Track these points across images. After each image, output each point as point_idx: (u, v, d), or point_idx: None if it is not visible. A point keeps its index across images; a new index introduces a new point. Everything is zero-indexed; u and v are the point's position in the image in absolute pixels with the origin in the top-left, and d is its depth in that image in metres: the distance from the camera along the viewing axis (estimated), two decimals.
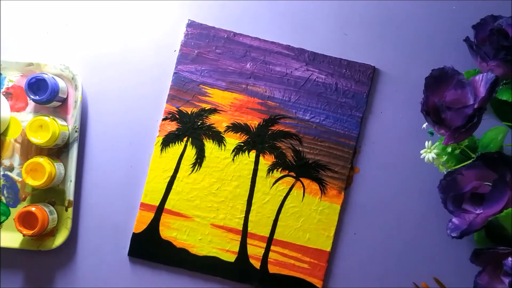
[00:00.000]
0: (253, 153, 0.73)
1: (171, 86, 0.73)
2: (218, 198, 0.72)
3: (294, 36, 0.74)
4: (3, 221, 0.73)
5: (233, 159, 0.73)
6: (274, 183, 0.72)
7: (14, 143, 0.74)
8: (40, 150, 0.73)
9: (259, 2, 0.75)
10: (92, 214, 0.73)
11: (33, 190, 0.73)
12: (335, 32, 0.74)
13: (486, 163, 0.57)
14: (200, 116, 0.73)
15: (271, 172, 0.72)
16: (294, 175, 0.72)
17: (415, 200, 0.72)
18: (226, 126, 0.73)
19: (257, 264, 0.71)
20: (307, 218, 0.72)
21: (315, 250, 0.71)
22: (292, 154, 0.73)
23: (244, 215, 0.72)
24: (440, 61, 0.64)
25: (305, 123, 0.73)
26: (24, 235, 0.69)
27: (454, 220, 0.58)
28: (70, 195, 0.72)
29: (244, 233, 0.72)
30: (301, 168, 0.72)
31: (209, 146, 0.73)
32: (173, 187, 0.73)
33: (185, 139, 0.73)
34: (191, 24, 0.74)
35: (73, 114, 0.73)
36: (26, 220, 0.69)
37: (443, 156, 0.62)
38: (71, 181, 0.72)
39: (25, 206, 0.69)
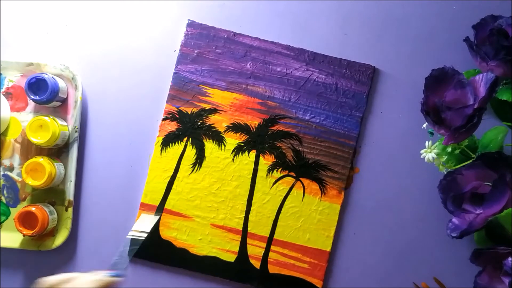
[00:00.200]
0: (253, 153, 0.73)
1: (171, 86, 0.73)
2: (218, 198, 0.72)
3: (294, 36, 0.74)
4: (3, 221, 0.73)
5: (233, 159, 0.73)
6: (274, 183, 0.72)
7: (14, 143, 0.74)
8: (40, 150, 0.73)
9: (259, 2, 0.75)
10: (92, 214, 0.73)
11: (33, 190, 0.73)
12: (335, 32, 0.74)
13: (486, 163, 0.57)
14: (200, 116, 0.73)
15: (271, 172, 0.72)
16: (294, 175, 0.72)
17: (415, 200, 0.72)
18: (226, 126, 0.73)
19: (257, 264, 0.71)
20: (307, 218, 0.72)
21: (315, 250, 0.71)
22: (292, 154, 0.73)
23: (244, 215, 0.72)
24: (440, 61, 0.64)
25: (305, 123, 0.73)
26: (24, 235, 0.69)
27: (454, 220, 0.58)
28: (70, 195, 0.72)
29: (244, 233, 0.72)
30: (301, 168, 0.72)
31: (209, 146, 0.73)
32: (173, 187, 0.73)
33: (185, 139, 0.73)
34: (191, 24, 0.74)
35: (73, 114, 0.73)
36: (26, 220, 0.69)
37: (443, 156, 0.62)
38: (71, 181, 0.72)
39: (25, 206, 0.69)
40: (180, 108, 0.73)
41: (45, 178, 0.68)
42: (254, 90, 0.73)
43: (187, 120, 0.73)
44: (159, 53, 0.74)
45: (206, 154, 0.73)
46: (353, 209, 0.72)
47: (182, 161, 0.73)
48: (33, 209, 0.68)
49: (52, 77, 0.70)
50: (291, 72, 0.73)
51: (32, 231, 0.68)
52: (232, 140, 0.73)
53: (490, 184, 0.56)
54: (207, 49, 0.74)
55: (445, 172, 0.60)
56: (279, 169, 0.72)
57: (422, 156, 0.63)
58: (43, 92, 0.69)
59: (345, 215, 0.72)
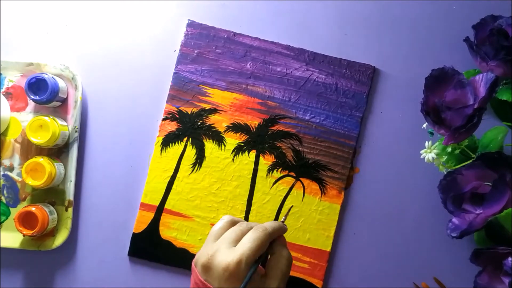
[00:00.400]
0: (253, 153, 0.73)
1: (171, 86, 0.73)
2: (218, 198, 0.72)
3: (294, 36, 0.74)
4: (3, 221, 0.73)
5: (233, 159, 0.73)
6: (274, 183, 0.72)
7: (14, 143, 0.74)
8: (40, 150, 0.73)
9: (259, 2, 0.75)
10: (92, 214, 0.73)
11: (33, 190, 0.73)
12: (335, 32, 0.74)
13: (486, 163, 0.57)
14: (200, 116, 0.73)
15: (271, 172, 0.72)
16: (294, 175, 0.72)
17: (415, 200, 0.72)
18: (226, 126, 0.73)
19: None
20: (307, 218, 0.72)
21: (315, 250, 0.71)
22: (292, 154, 0.73)
23: (244, 215, 0.72)
24: (440, 61, 0.64)
25: (305, 123, 0.73)
26: (24, 235, 0.69)
27: (454, 220, 0.58)
28: (70, 195, 0.72)
29: None
30: (301, 168, 0.72)
31: (209, 146, 0.73)
32: (173, 187, 0.73)
33: (185, 139, 0.73)
34: (191, 24, 0.74)
35: (73, 114, 0.73)
36: (26, 220, 0.69)
37: (443, 156, 0.62)
38: (71, 181, 0.72)
39: (25, 206, 0.69)
40: (180, 108, 0.73)
41: (45, 178, 0.68)
42: (254, 90, 0.73)
43: (187, 120, 0.73)
44: (159, 53, 0.74)
45: (206, 154, 0.73)
46: (353, 209, 0.72)
47: (182, 161, 0.73)
48: (33, 209, 0.68)
49: (52, 77, 0.70)
50: (291, 72, 0.73)
51: (32, 231, 0.68)
52: (232, 140, 0.73)
53: (490, 184, 0.56)
54: (207, 49, 0.74)
55: (445, 172, 0.60)
56: (279, 169, 0.72)
57: (422, 156, 0.63)
58: (43, 92, 0.69)
59: (345, 215, 0.72)
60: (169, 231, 0.72)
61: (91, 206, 0.74)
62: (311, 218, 0.71)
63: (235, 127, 0.73)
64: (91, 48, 0.75)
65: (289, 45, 0.73)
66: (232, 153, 0.73)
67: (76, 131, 0.73)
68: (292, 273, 0.71)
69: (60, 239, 0.72)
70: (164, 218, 0.72)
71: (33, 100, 0.70)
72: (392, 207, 0.72)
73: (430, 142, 0.63)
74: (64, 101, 0.73)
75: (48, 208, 0.70)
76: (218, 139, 0.73)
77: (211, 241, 0.55)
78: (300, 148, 0.72)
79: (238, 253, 0.52)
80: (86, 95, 0.75)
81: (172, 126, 0.73)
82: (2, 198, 0.73)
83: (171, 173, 0.73)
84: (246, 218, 0.72)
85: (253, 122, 0.73)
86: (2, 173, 0.73)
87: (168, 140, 0.73)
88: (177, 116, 0.73)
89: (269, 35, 0.74)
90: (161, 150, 0.73)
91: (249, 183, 0.72)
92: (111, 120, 0.74)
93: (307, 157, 0.72)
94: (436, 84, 0.58)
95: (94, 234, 0.73)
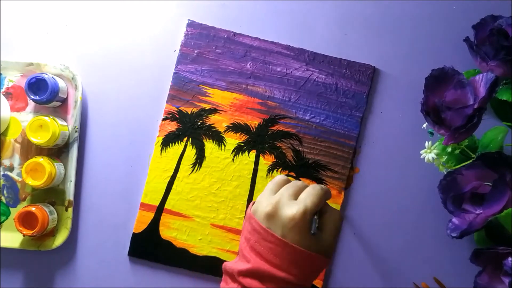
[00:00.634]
0: (253, 153, 0.73)
1: (171, 86, 0.73)
2: (218, 198, 0.72)
3: (294, 36, 0.74)
4: (3, 221, 0.73)
5: (233, 159, 0.73)
6: None
7: (14, 143, 0.74)
8: (40, 150, 0.73)
9: (259, 2, 0.75)
10: (92, 214, 0.73)
11: (33, 190, 0.73)
12: (335, 32, 0.74)
13: (486, 163, 0.57)
14: (200, 116, 0.73)
15: (271, 172, 0.72)
16: (294, 175, 0.72)
17: (415, 200, 0.72)
18: (226, 126, 0.73)
19: None
20: None
21: None
22: (292, 154, 0.73)
23: (244, 215, 0.72)
24: (440, 61, 0.64)
25: (305, 123, 0.73)
26: (24, 235, 0.69)
27: (454, 220, 0.58)
28: (70, 195, 0.72)
29: None
30: (301, 168, 0.72)
31: (209, 146, 0.73)
32: (173, 187, 0.73)
33: (185, 139, 0.73)
34: (191, 24, 0.74)
35: (73, 114, 0.73)
36: (26, 220, 0.69)
37: (443, 156, 0.62)
38: (71, 181, 0.72)
39: (25, 206, 0.69)
40: (180, 108, 0.73)
41: (45, 178, 0.68)
42: (254, 90, 0.73)
43: (187, 120, 0.73)
44: (159, 53, 0.74)
45: (206, 154, 0.73)
46: (353, 209, 0.72)
47: (182, 161, 0.73)
48: (33, 209, 0.68)
49: (52, 77, 0.70)
50: (291, 72, 0.73)
51: (32, 231, 0.68)
52: (232, 140, 0.73)
53: (490, 184, 0.56)
54: (207, 49, 0.74)
55: (445, 172, 0.60)
56: (279, 169, 0.72)
57: (422, 156, 0.63)
58: (43, 92, 0.69)
59: (345, 215, 0.72)
60: (169, 231, 0.72)
61: (91, 206, 0.74)
62: None
63: (235, 127, 0.73)
64: (91, 48, 0.75)
65: (289, 45, 0.73)
66: (232, 153, 0.73)
67: (76, 131, 0.73)
68: None
69: (60, 239, 0.72)
70: (164, 218, 0.72)
71: (33, 100, 0.70)
72: (392, 207, 0.72)
73: (430, 142, 0.63)
74: (64, 101, 0.73)
75: (48, 208, 0.70)
76: (218, 139, 0.73)
77: (269, 194, 0.56)
78: (300, 148, 0.72)
79: (302, 205, 0.53)
80: (86, 95, 0.75)
81: (172, 126, 0.73)
82: (2, 198, 0.73)
83: (171, 173, 0.73)
84: None
85: (253, 122, 0.73)
86: (2, 173, 0.73)
87: (168, 140, 0.73)
88: (177, 116, 0.73)
89: (269, 35, 0.74)
90: (161, 150, 0.73)
91: (249, 183, 0.72)
92: (111, 120, 0.74)
93: (307, 157, 0.72)
94: (436, 84, 0.58)
95: (94, 234, 0.73)
